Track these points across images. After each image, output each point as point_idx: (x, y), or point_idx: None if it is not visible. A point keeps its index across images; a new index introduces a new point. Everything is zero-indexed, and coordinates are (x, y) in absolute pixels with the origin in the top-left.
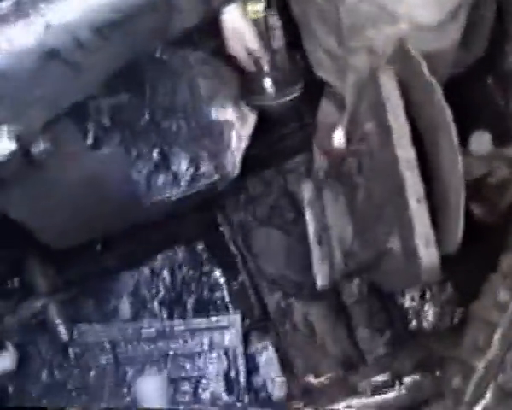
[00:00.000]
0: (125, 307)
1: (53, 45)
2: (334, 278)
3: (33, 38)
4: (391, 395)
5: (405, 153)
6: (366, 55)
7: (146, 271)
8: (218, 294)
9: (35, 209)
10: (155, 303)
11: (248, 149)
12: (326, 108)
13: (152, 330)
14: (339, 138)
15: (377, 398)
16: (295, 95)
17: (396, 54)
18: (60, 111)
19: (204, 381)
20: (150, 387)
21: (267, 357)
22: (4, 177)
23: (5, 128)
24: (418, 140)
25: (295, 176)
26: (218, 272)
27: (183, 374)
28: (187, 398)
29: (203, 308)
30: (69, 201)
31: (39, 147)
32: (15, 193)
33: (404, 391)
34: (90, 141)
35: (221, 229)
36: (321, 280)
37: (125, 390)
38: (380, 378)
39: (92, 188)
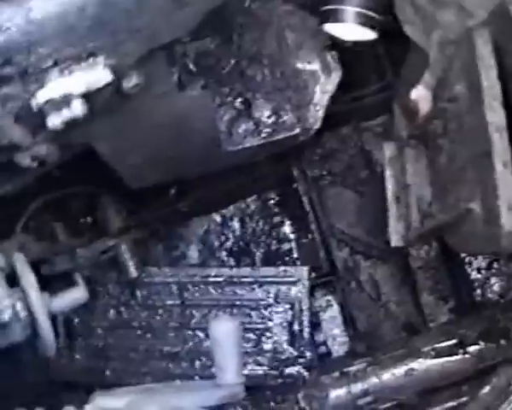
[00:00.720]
0: (194, 253)
1: None
2: (409, 237)
3: None
4: (454, 359)
5: (496, 116)
6: (456, 12)
7: (217, 219)
8: (286, 247)
9: (119, 144)
10: (223, 251)
11: (328, 104)
12: (411, 67)
13: (220, 276)
14: (418, 96)
15: (440, 361)
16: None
17: (493, 15)
18: (156, 46)
19: (268, 331)
20: (224, 329)
21: (331, 314)
22: (95, 108)
23: (102, 59)
24: (508, 106)
25: (372, 135)
26: (288, 226)
27: (248, 323)
28: (250, 347)
29: (270, 260)
30: (153, 139)
31: (131, 81)
32: (103, 126)
33: (467, 358)
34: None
35: (294, 183)
36: (395, 239)
37: (190, 333)
38: (443, 344)
39: (177, 128)
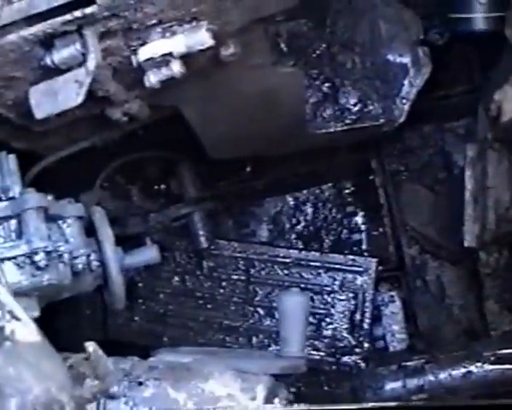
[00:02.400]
0: (263, 232)
1: None
2: (483, 239)
3: None
4: None
5: None
6: None
7: (290, 201)
8: (356, 237)
9: (206, 111)
10: (293, 234)
11: (415, 100)
12: (501, 70)
13: (288, 257)
14: (502, 97)
15: (501, 368)
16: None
17: None
18: (258, 17)
19: (329, 318)
20: (293, 302)
21: (393, 309)
22: (191, 71)
23: (205, 23)
24: None
25: (454, 137)
26: (360, 216)
27: (311, 306)
28: (309, 330)
29: (339, 248)
30: (241, 110)
31: (229, 50)
32: (194, 90)
33: None
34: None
35: (371, 175)
36: (469, 239)
37: (251, 309)
38: (505, 351)
39: (266, 102)
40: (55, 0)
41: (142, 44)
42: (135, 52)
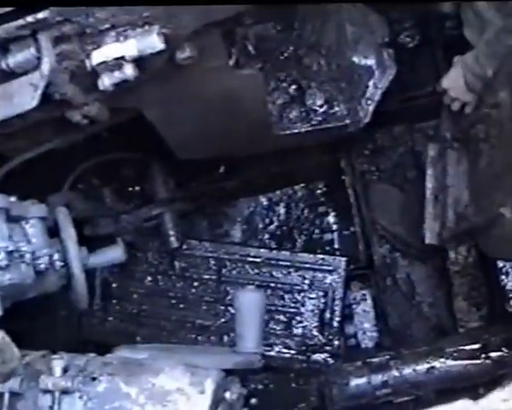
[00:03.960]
0: (237, 233)
1: None
2: (443, 237)
3: None
4: (474, 363)
5: None
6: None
7: (263, 201)
8: (328, 237)
9: (168, 112)
10: (266, 234)
11: (382, 102)
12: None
13: (259, 256)
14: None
15: (462, 363)
16: None
17: None
18: (211, 22)
19: (299, 316)
20: (248, 299)
21: (364, 307)
22: (147, 73)
23: (156, 27)
24: None
25: (423, 137)
26: (332, 216)
27: (281, 305)
28: (280, 328)
29: (311, 248)
30: (202, 112)
31: (185, 53)
32: (153, 92)
33: (489, 363)
34: (231, 63)
35: (342, 175)
36: (429, 236)
37: (222, 308)
38: (467, 347)
39: (226, 104)
40: (7, 6)
41: (96, 48)
42: (89, 56)
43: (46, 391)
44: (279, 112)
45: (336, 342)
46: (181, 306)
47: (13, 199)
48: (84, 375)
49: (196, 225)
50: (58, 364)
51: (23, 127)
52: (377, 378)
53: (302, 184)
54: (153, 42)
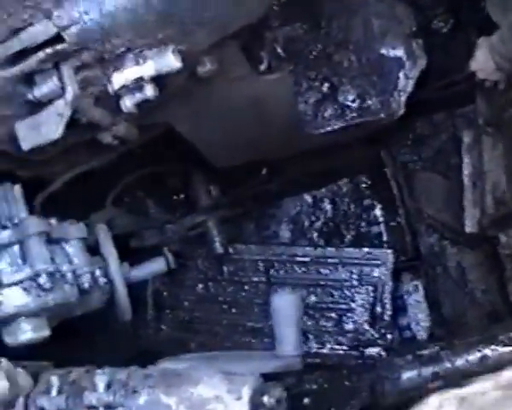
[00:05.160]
0: (285, 233)
1: None
2: (483, 223)
3: None
4: None
5: None
6: None
7: (308, 199)
8: (376, 230)
9: (198, 124)
10: (314, 232)
11: (419, 91)
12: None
13: (306, 255)
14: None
15: None
16: None
17: None
18: (226, 35)
19: (349, 312)
20: (285, 302)
21: (416, 298)
22: (170, 91)
23: (171, 47)
24: None
25: (465, 122)
26: (378, 209)
27: (331, 302)
28: (331, 325)
29: (359, 242)
30: (232, 121)
31: (205, 67)
32: (181, 107)
33: None
34: (262, 68)
35: (385, 167)
36: (470, 224)
37: None
38: None
39: (254, 111)
40: (26, 41)
41: (117, 72)
42: (110, 80)
43: (90, 407)
44: (313, 111)
45: (389, 336)
46: (232, 310)
47: (53, 221)
48: (126, 389)
49: (244, 229)
50: (101, 379)
51: (57, 152)
52: (428, 371)
53: (346, 179)
54: (169, 61)
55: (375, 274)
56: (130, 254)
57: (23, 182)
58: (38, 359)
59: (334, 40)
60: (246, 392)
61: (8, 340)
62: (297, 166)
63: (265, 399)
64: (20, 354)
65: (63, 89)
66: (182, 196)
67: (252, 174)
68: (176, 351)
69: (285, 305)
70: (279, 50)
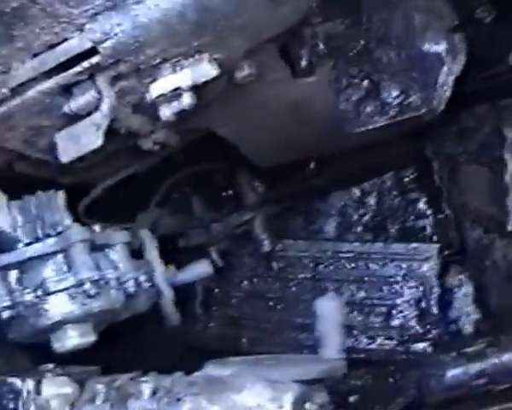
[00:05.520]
0: (331, 227)
1: None
2: None
3: None
4: None
5: None
6: None
7: (354, 194)
8: (421, 223)
9: (239, 128)
10: (360, 226)
11: (462, 83)
12: None
13: (352, 251)
14: None
15: None
16: None
17: None
18: (262, 40)
19: (397, 307)
20: (328, 306)
21: (464, 291)
22: (209, 98)
23: (207, 55)
24: None
25: (509, 113)
26: (423, 203)
27: (377, 297)
28: (378, 321)
29: (405, 236)
30: (273, 122)
31: (243, 72)
32: (221, 112)
33: None
34: (303, 65)
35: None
36: None
37: None
38: None
39: (294, 113)
40: (61, 55)
41: (153, 82)
42: (147, 90)
43: None
44: (354, 109)
45: (436, 331)
46: (279, 306)
47: (96, 227)
48: (170, 396)
49: (291, 224)
50: (146, 387)
51: (99, 159)
52: (474, 368)
53: (390, 173)
54: (205, 69)
55: (422, 269)
56: (177, 253)
57: (66, 188)
58: (86, 362)
59: (374, 36)
60: (288, 400)
61: (56, 346)
62: (343, 161)
63: (307, 406)
64: (68, 359)
65: (100, 100)
66: (227, 193)
67: (297, 169)
68: (224, 348)
69: (328, 309)
70: (319, 47)
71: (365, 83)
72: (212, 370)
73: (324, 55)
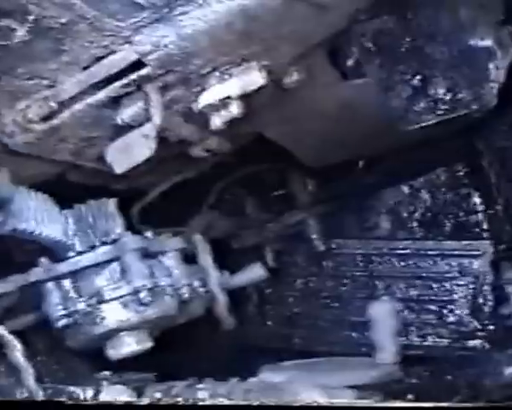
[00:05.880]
0: (384, 225)
1: None
2: None
3: None
4: None
5: None
6: None
7: (406, 190)
8: (474, 219)
9: (290, 131)
10: (413, 222)
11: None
12: None
13: (405, 248)
14: None
15: None
16: None
17: None
18: (310, 45)
19: (450, 304)
20: (383, 310)
21: None
22: (258, 104)
23: (255, 63)
24: None
25: None
26: (476, 198)
27: (431, 295)
28: (432, 318)
29: (458, 231)
30: (322, 124)
31: (292, 77)
32: (271, 116)
33: None
34: (351, 64)
35: (480, 155)
36: None
37: None
38: None
39: (344, 114)
40: (110, 68)
41: (202, 90)
42: (196, 99)
43: None
44: (404, 106)
45: (491, 327)
46: (333, 305)
47: (149, 234)
48: None
49: (343, 222)
50: (202, 394)
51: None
52: None
53: (443, 168)
54: (254, 78)
55: (475, 265)
56: (230, 254)
57: (118, 194)
58: (140, 367)
59: (422, 32)
60: None
61: (112, 353)
62: (392, 159)
63: None
64: (123, 366)
65: (149, 111)
66: (279, 193)
67: (348, 168)
68: (279, 346)
69: (383, 314)
70: (367, 44)
71: (415, 80)
72: (266, 376)
73: (372, 52)
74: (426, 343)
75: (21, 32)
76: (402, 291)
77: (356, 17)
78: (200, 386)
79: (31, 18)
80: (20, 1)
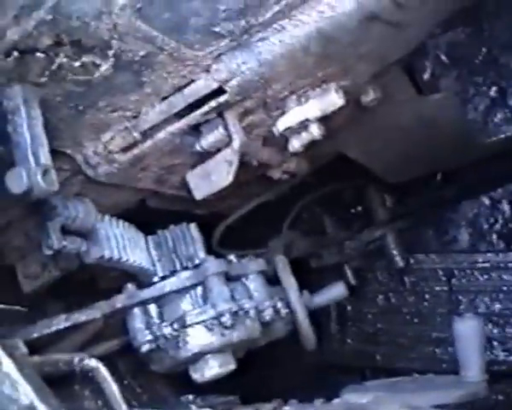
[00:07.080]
0: (464, 237)
1: (373, 8)
2: None
3: (354, 3)
4: None
5: None
6: None
7: (485, 202)
8: None
9: (369, 149)
10: (493, 234)
11: None
12: None
13: (487, 262)
14: None
15: None
16: None
17: None
18: (386, 64)
19: None
20: (468, 326)
21: None
22: (337, 125)
23: (333, 84)
24: None
25: None
26: None
27: None
28: None
29: None
30: (401, 141)
31: (369, 96)
32: (350, 136)
33: None
34: (426, 78)
35: None
36: None
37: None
38: None
39: (423, 130)
40: (189, 97)
41: (281, 113)
42: (275, 123)
43: None
44: (483, 118)
45: None
46: (415, 320)
47: (232, 257)
48: None
49: (423, 237)
50: None
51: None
52: None
53: None
54: (332, 100)
55: None
56: (311, 273)
57: (199, 217)
58: (222, 388)
59: (497, 42)
60: None
61: (196, 376)
62: (471, 172)
63: None
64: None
65: (229, 136)
66: (357, 210)
67: (426, 182)
68: (361, 364)
69: (468, 330)
70: (443, 57)
71: (492, 90)
72: (350, 397)
73: (447, 65)
74: (511, 358)
75: (105, 67)
76: (484, 306)
77: (433, 32)
78: (286, 408)
79: (111, 52)
80: (103, 37)
